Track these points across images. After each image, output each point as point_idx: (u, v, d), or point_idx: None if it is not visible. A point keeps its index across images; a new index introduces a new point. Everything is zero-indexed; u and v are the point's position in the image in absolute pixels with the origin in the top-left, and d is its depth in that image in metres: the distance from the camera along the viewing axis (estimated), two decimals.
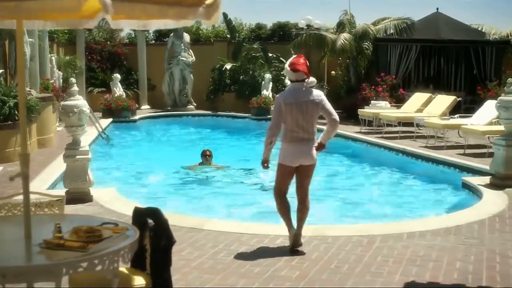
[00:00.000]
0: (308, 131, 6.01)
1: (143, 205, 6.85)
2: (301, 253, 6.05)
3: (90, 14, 3.82)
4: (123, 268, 3.72)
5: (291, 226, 6.16)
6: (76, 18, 3.88)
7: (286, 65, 6.14)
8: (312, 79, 6.22)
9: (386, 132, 15.55)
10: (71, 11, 3.04)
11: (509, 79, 9.94)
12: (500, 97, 9.63)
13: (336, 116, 6.11)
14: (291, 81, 6.13)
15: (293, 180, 6.27)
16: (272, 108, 6.26)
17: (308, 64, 6.17)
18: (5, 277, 3.09)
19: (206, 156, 11.65)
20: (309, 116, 5.99)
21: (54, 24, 4.58)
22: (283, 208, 6.20)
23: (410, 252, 6.16)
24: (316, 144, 6.11)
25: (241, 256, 5.93)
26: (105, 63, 23.14)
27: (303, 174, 6.15)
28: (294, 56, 6.38)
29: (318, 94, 6.11)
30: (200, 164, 11.63)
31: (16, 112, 10.88)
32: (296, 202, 6.28)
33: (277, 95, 6.18)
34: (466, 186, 9.65)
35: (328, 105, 6.11)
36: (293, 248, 6.10)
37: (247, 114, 19.88)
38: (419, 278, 5.42)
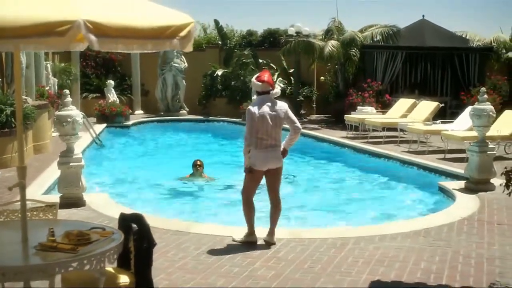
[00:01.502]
0: (275, 138, 6.66)
1: (132, 210, 7.28)
2: (277, 254, 6.52)
3: (80, 38, 4.29)
4: (110, 268, 4.13)
5: (252, 226, 6.88)
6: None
7: (253, 79, 6.80)
8: (276, 90, 6.83)
9: (372, 137, 15.93)
10: (62, 45, 3.50)
11: (482, 88, 10.39)
12: (473, 106, 10.06)
13: (298, 125, 6.80)
14: (258, 92, 6.75)
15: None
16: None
17: (272, 78, 6.89)
18: (4, 276, 3.54)
19: (197, 166, 11.73)
20: (277, 125, 6.64)
21: (47, 48, 5.07)
22: (251, 212, 6.84)
23: (379, 253, 6.59)
24: (281, 150, 6.74)
25: (222, 257, 6.36)
26: (99, 69, 23.42)
27: (273, 176, 6.79)
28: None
29: (283, 104, 6.77)
30: (191, 175, 11.75)
31: (13, 120, 11.24)
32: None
33: (249, 106, 6.74)
34: (442, 190, 10.01)
35: (292, 115, 6.78)
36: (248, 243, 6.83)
37: (238, 119, 20.30)
38: (384, 277, 5.86)
